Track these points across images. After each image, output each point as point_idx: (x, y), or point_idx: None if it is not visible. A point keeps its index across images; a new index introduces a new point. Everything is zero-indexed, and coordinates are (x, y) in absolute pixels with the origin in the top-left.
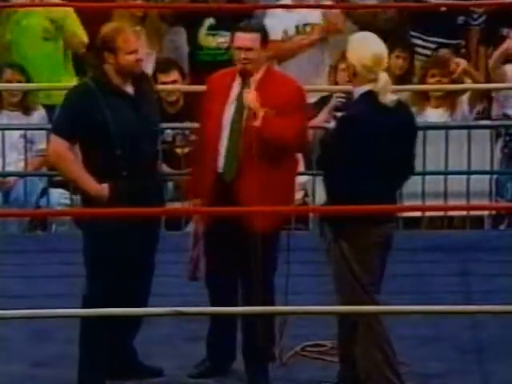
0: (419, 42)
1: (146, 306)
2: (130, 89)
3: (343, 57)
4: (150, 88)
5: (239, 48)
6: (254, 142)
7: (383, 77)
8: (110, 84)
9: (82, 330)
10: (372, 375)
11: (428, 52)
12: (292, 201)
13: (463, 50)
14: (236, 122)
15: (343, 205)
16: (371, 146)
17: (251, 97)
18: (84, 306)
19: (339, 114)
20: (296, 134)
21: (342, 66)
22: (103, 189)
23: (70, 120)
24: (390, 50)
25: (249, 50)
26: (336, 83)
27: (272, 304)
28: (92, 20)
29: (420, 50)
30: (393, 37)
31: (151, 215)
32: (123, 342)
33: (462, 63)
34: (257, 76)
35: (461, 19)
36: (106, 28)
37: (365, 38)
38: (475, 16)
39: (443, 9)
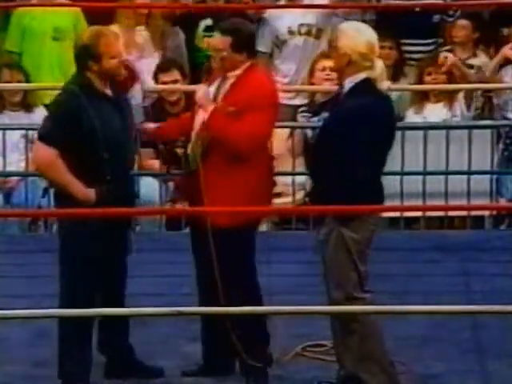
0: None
1: (122, 305)
2: (109, 91)
3: (323, 55)
4: (122, 91)
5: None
6: (204, 137)
7: (379, 64)
8: (93, 88)
9: (60, 329)
10: (358, 370)
11: (416, 56)
12: (264, 199)
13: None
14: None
15: (341, 199)
16: (374, 134)
17: (200, 92)
18: (61, 306)
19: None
20: (240, 136)
21: (320, 65)
22: (91, 193)
23: (59, 127)
24: None
25: (218, 50)
26: (312, 84)
27: (247, 304)
28: (95, 20)
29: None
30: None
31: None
32: (117, 341)
33: (451, 57)
34: (235, 72)
35: (436, 17)
36: (87, 34)
37: (355, 26)
38: (450, 12)
39: (417, 9)
